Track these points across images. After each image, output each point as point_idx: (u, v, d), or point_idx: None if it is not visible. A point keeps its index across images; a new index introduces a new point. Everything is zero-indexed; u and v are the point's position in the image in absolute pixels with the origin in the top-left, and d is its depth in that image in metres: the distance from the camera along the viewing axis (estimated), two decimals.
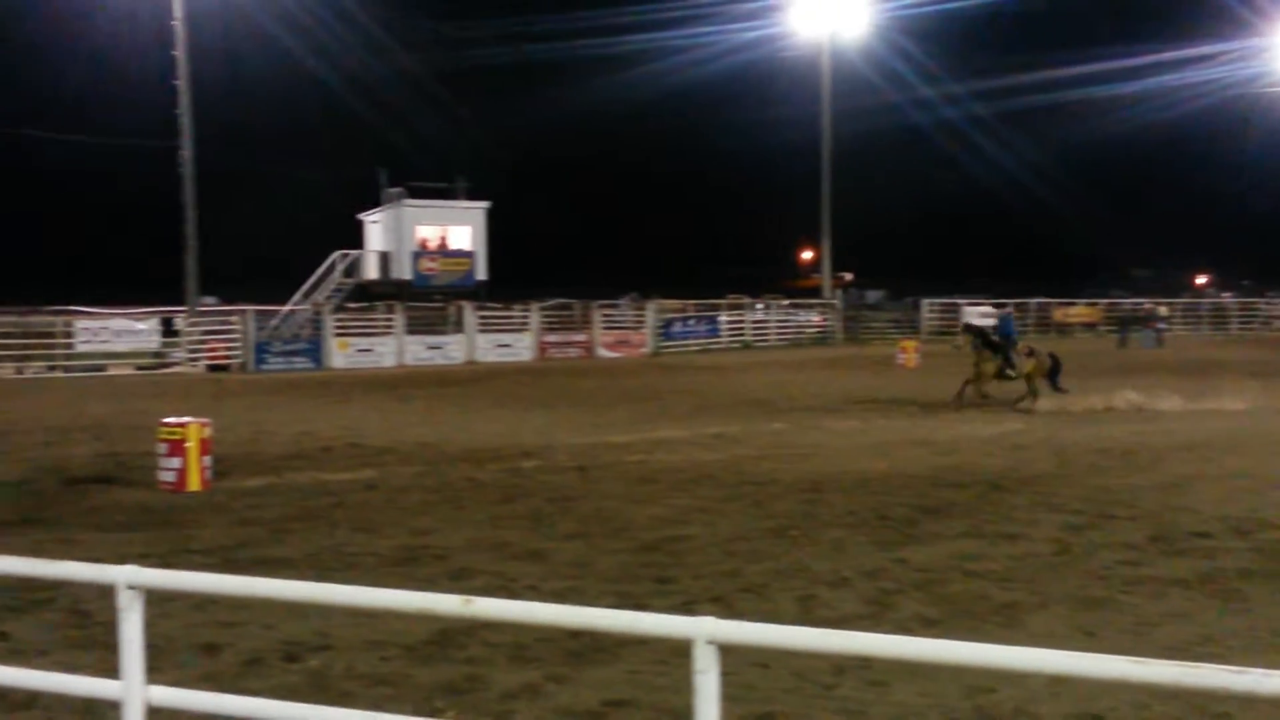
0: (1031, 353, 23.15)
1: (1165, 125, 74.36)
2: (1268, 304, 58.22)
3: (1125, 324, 46.57)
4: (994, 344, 22.76)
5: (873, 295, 78.33)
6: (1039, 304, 53.48)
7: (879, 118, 69.53)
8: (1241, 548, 10.47)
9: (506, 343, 40.14)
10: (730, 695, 6.58)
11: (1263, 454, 16.10)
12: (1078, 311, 54.40)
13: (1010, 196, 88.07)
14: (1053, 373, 22.79)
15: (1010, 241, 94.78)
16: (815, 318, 51.38)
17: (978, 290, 57.67)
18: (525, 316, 41.30)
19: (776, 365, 36.21)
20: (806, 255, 73.55)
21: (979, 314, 50.99)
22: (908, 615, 8.46)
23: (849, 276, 75.71)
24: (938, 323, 51.05)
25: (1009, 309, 30.38)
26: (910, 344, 37.10)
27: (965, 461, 15.77)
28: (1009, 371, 22.39)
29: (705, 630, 3.06)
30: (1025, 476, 14.45)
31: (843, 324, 50.87)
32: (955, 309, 52.16)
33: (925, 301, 52.56)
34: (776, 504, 12.76)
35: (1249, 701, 5.99)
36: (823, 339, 49.09)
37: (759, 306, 50.89)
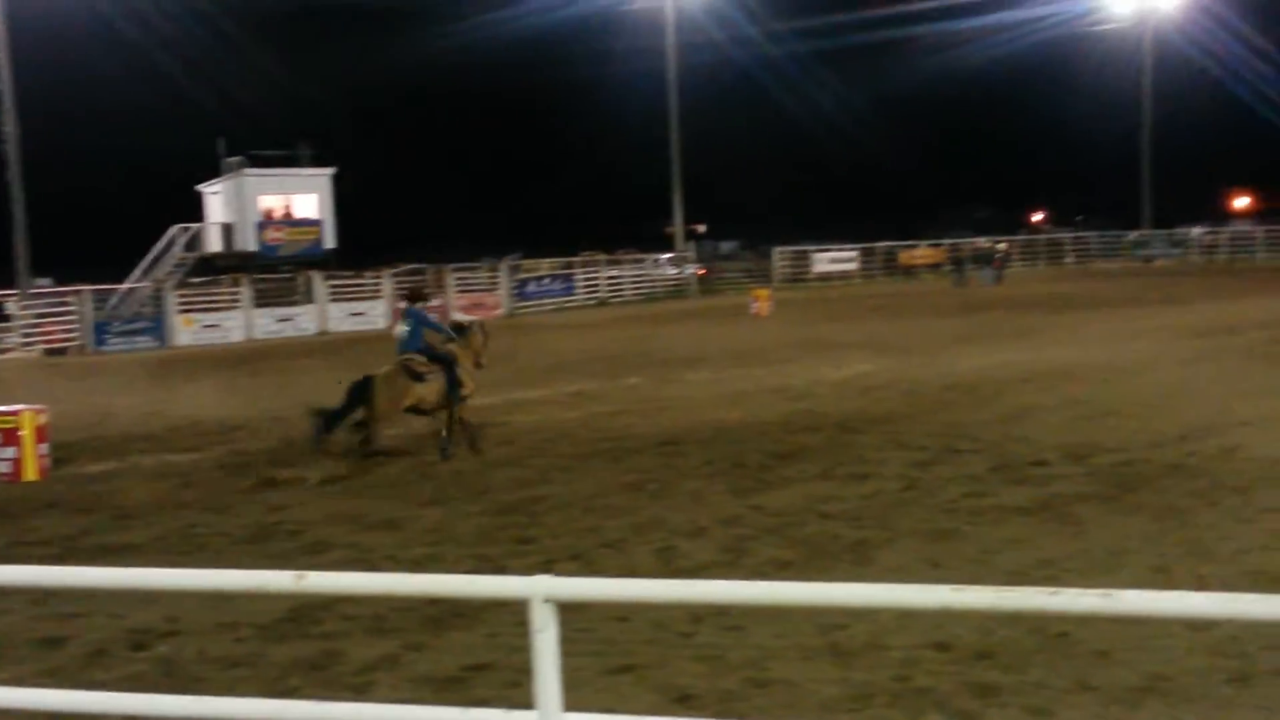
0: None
1: (1002, 62, 76.45)
2: (1100, 237, 60.54)
3: (960, 263, 47.76)
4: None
5: (726, 246, 79.03)
6: (885, 247, 54.65)
7: (726, 67, 69.79)
8: (1077, 473, 10.95)
9: (360, 311, 39.45)
10: (591, 650, 6.68)
11: (1096, 383, 16.82)
12: (922, 254, 55.75)
13: (854, 141, 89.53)
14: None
15: (856, 187, 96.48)
16: (670, 271, 51.63)
17: (826, 237, 58.68)
18: (378, 283, 40.62)
19: (632, 320, 36.35)
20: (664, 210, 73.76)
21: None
22: (763, 560, 8.63)
23: (702, 228, 76.25)
24: (789, 270, 51.91)
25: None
26: (763, 293, 37.60)
27: (817, 406, 16.09)
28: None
29: (541, 589, 3.06)
30: (875, 417, 14.83)
31: (697, 276, 51.27)
32: (806, 256, 53.04)
33: (776, 250, 53.29)
34: (634, 459, 12.86)
35: (1086, 620, 6.30)
36: (678, 292, 49.40)
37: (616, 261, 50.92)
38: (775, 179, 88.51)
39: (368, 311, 39.51)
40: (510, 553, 9.17)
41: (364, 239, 52.53)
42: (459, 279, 42.70)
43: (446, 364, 13.64)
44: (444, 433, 13.53)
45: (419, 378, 13.39)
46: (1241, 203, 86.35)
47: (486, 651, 6.81)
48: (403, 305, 14.57)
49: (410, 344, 13.66)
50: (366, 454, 13.10)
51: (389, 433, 13.91)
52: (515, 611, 7.23)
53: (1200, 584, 7.48)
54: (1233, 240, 57.55)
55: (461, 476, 12.32)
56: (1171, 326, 24.49)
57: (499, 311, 42.17)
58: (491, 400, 18.25)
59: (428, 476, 12.41)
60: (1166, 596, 3.46)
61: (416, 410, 13.53)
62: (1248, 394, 15.05)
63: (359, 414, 13.16)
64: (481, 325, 14.60)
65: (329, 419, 13.15)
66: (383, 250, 51.17)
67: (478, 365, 14.21)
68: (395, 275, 41.20)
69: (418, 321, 13.84)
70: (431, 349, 13.69)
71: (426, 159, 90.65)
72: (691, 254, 52.75)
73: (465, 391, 13.74)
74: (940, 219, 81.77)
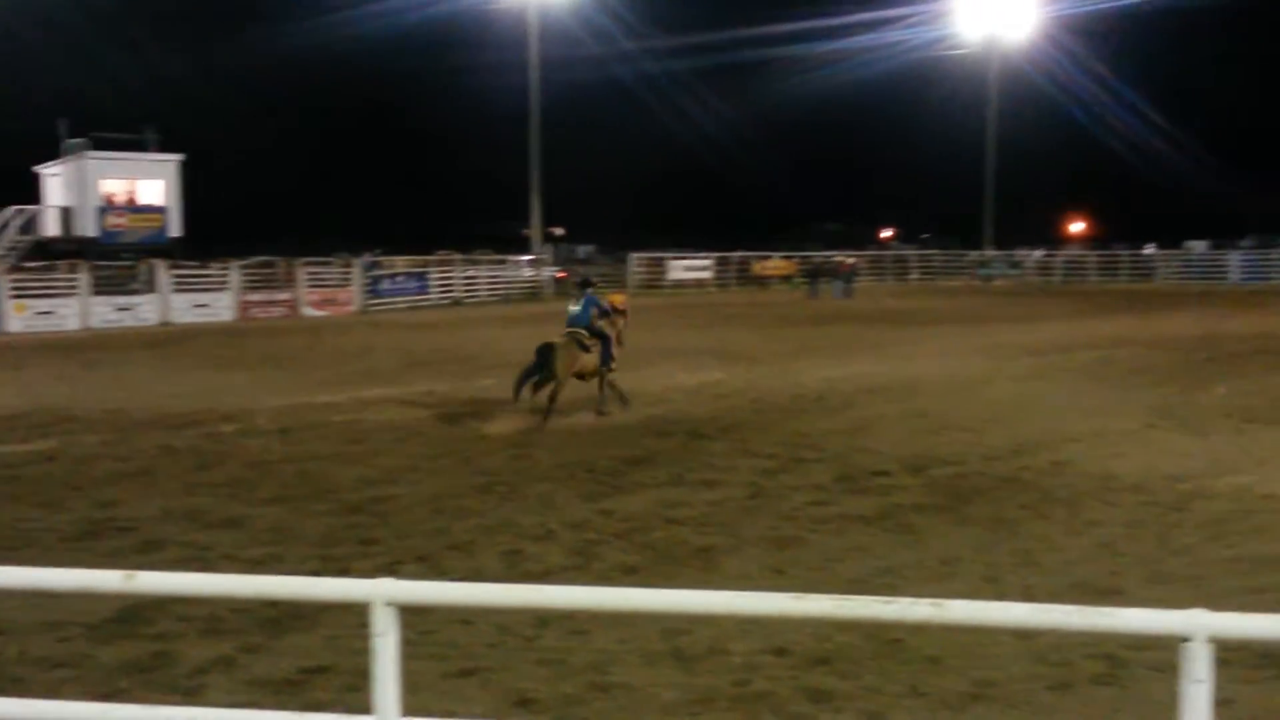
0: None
1: (856, 84, 78.44)
2: (944, 256, 62.58)
3: (814, 276, 48.87)
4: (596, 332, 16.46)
5: (583, 250, 79.11)
6: (740, 257, 55.50)
7: (589, 74, 70.01)
8: (916, 484, 11.28)
9: (204, 302, 38.26)
10: (433, 653, 6.62)
11: (936, 396, 17.34)
12: (774, 265, 56.79)
13: (713, 153, 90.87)
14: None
15: (712, 198, 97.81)
16: (526, 273, 51.42)
17: (682, 245, 59.29)
18: (225, 275, 39.49)
19: (486, 321, 36.09)
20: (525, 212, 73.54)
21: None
22: (610, 565, 8.67)
23: (561, 231, 76.23)
24: (644, 276, 52.26)
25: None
26: (617, 297, 37.57)
27: (671, 411, 16.24)
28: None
29: (383, 592, 3.02)
30: (725, 424, 15.02)
31: (556, 279, 51.20)
32: (661, 263, 53.47)
33: (633, 255, 53.58)
34: (485, 460, 12.78)
35: (919, 628, 6.50)
36: (534, 294, 49.24)
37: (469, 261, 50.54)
38: (634, 186, 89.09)
39: (213, 303, 38.36)
40: (354, 554, 9.02)
41: (213, 229, 51.01)
42: (311, 274, 41.80)
43: (604, 339, 16.46)
44: (600, 393, 16.36)
45: (585, 349, 16.09)
46: (1077, 228, 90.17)
47: (325, 654, 6.69)
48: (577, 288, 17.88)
49: (579, 320, 16.35)
50: (546, 410, 15.27)
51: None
52: (356, 613, 7.10)
53: (1027, 594, 7.78)
54: (1067, 264, 60.03)
55: (306, 475, 12.07)
56: (1008, 344, 25.39)
57: (351, 308, 41.45)
58: (340, 398, 17.97)
59: (270, 475, 12.12)
60: (993, 607, 3.59)
61: (580, 376, 16.14)
62: (1077, 411, 15.70)
63: (540, 375, 15.63)
64: (623, 312, 17.40)
65: (522, 379, 15.79)
66: (233, 241, 49.81)
67: (618, 343, 16.90)
68: (244, 267, 40.15)
69: (588, 303, 16.64)
70: (594, 326, 16.39)
71: (283, 152, 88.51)
72: (549, 257, 52.67)
73: (614, 365, 16.60)
74: (793, 232, 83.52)
